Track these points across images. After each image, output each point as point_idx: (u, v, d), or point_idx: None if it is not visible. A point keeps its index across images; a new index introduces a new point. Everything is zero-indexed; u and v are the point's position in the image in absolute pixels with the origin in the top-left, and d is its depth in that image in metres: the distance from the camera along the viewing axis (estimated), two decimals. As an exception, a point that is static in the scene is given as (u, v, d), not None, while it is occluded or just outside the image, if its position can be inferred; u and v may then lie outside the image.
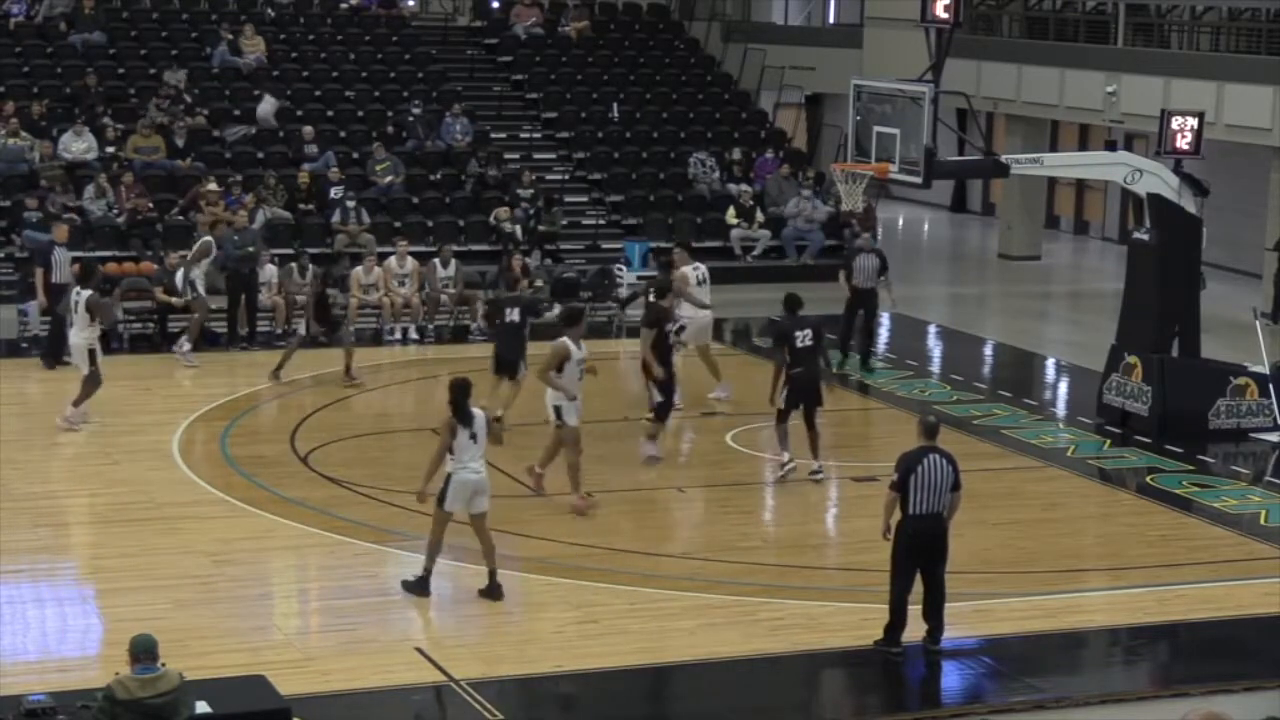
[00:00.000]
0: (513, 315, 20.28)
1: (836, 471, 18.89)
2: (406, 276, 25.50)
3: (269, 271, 24.96)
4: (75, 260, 22.59)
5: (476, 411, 14.55)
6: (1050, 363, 25.62)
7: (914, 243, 37.00)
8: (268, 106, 30.95)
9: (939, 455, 13.47)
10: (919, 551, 13.47)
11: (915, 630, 13.67)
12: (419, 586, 14.64)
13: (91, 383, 19.69)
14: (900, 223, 38.24)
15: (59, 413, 19.68)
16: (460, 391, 14.46)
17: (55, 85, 31.04)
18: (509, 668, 13.23)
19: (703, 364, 21.30)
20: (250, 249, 24.86)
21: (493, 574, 14.65)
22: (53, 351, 22.46)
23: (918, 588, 13.61)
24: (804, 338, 18.16)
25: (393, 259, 25.61)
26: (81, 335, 19.80)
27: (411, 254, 25.94)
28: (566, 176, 32.14)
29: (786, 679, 13.40)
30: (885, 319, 27.16)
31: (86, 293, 19.86)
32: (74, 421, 19.54)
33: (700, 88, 35.84)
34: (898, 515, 13.50)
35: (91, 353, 19.67)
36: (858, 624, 14.12)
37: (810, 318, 18.69)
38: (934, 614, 13.66)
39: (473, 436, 14.41)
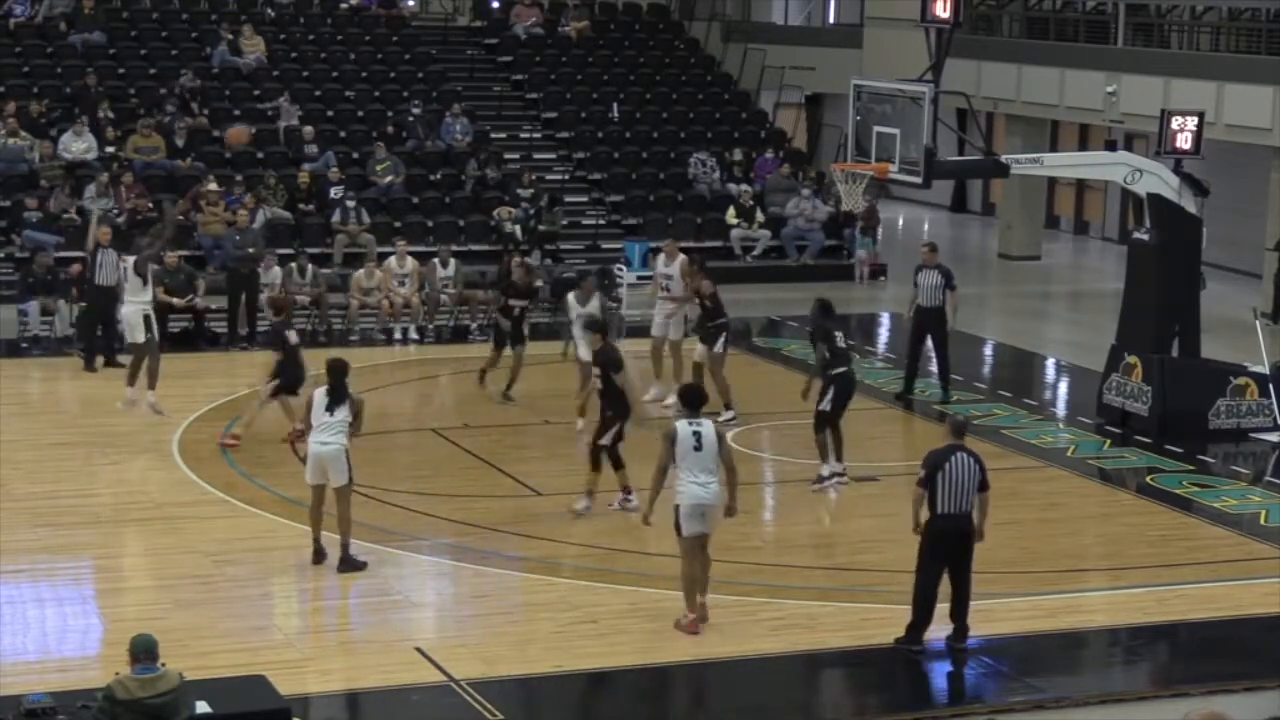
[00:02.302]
0: None
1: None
2: (406, 276, 25.51)
3: (275, 274, 24.94)
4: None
5: (318, 391, 15.22)
6: (1050, 363, 25.62)
7: (914, 243, 36.92)
8: (293, 119, 31.00)
9: (966, 454, 13.48)
10: (945, 551, 13.46)
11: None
12: (314, 557, 15.26)
13: (152, 356, 19.30)
14: (900, 223, 38.24)
15: (144, 404, 19.49)
16: (330, 371, 15.31)
17: (55, 85, 31.05)
18: (509, 668, 13.22)
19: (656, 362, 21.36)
20: (250, 249, 24.86)
21: (344, 546, 15.12)
22: (90, 352, 22.50)
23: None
24: (841, 338, 18.33)
25: (393, 259, 25.61)
26: (135, 301, 19.41)
27: (411, 254, 25.95)
28: (566, 176, 32.14)
29: (786, 679, 13.40)
30: (885, 319, 27.18)
31: (132, 258, 19.66)
32: (158, 408, 19.35)
33: (700, 88, 35.84)
34: (925, 513, 13.49)
35: (147, 318, 19.30)
36: (858, 624, 14.13)
37: (840, 320, 18.88)
38: (960, 613, 13.65)
39: (328, 409, 15.05)
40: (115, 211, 27.55)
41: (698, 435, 13.74)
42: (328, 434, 15.07)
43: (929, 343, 22.26)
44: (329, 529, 15.27)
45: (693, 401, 14.25)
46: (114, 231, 26.90)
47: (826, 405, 18.07)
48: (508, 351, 21.31)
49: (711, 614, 14.33)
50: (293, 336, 19.33)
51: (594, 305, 20.62)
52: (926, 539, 13.53)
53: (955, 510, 13.38)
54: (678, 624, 13.95)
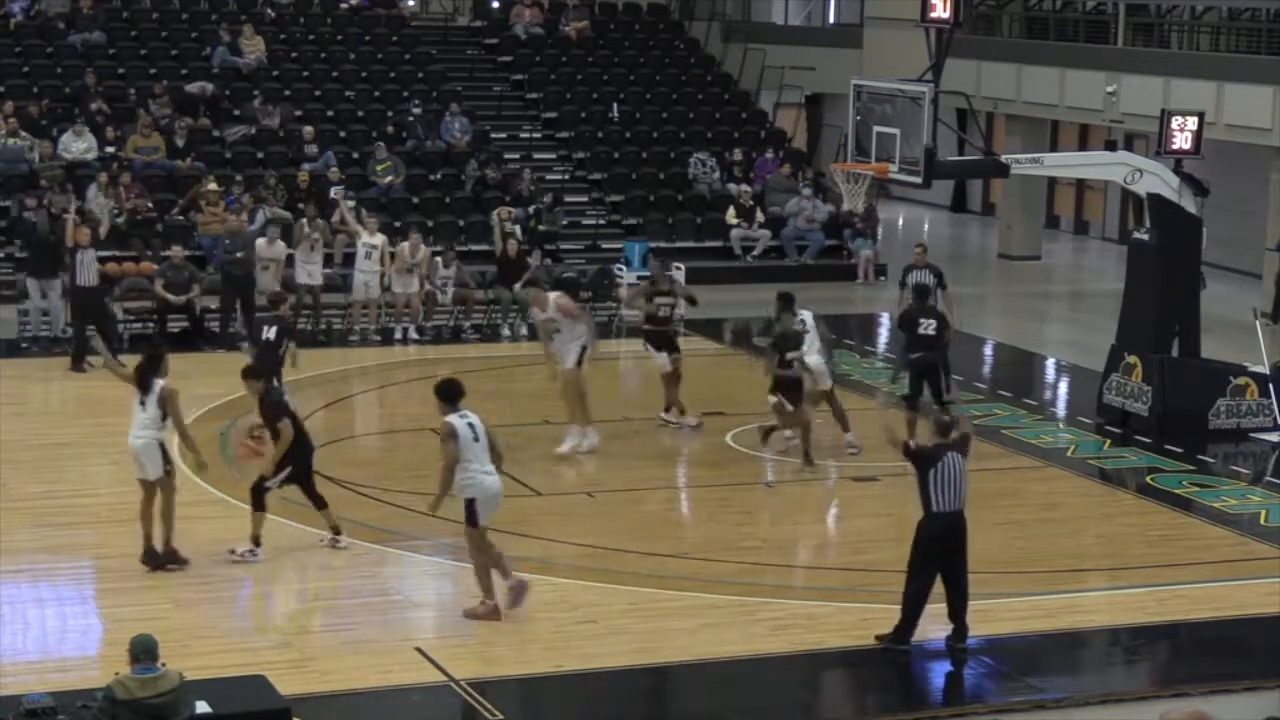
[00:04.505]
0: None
1: (837, 471, 18.87)
2: (416, 265, 25.51)
3: (279, 249, 25.12)
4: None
5: (157, 383, 15.03)
6: (1050, 363, 25.62)
7: (914, 243, 37.04)
8: (275, 120, 31.01)
9: (956, 453, 13.50)
10: (940, 551, 13.46)
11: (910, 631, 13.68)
12: (143, 555, 15.12)
13: None
14: (900, 223, 38.24)
15: None
16: (145, 359, 15.23)
17: (55, 85, 31.05)
18: (509, 668, 13.23)
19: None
20: (239, 255, 24.74)
21: (165, 540, 15.09)
22: (80, 353, 22.51)
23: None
24: (927, 326, 19.34)
25: (405, 245, 25.58)
26: None
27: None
28: (566, 176, 32.14)
29: (786, 679, 13.39)
30: (884, 319, 27.18)
31: None
32: None
33: (700, 88, 35.84)
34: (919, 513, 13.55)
35: None
36: (858, 624, 14.12)
37: (936, 309, 19.89)
38: (960, 612, 13.64)
39: (141, 404, 15.00)
40: (115, 211, 27.56)
41: (472, 426, 13.95)
42: (137, 427, 15.07)
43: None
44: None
45: (453, 396, 14.17)
46: (114, 231, 27.07)
47: (906, 388, 19.65)
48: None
49: (711, 614, 14.35)
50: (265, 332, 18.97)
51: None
52: (922, 540, 13.52)
53: (949, 509, 13.39)
54: (474, 613, 14.05)
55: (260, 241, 25.25)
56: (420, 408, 21.77)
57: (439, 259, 26.06)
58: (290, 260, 25.57)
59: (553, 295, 19.58)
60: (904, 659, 13.55)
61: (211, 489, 17.54)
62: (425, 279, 25.57)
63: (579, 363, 19.14)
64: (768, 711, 12.75)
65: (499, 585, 14.18)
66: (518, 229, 28.96)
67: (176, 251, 24.76)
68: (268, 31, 33.58)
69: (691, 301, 21.16)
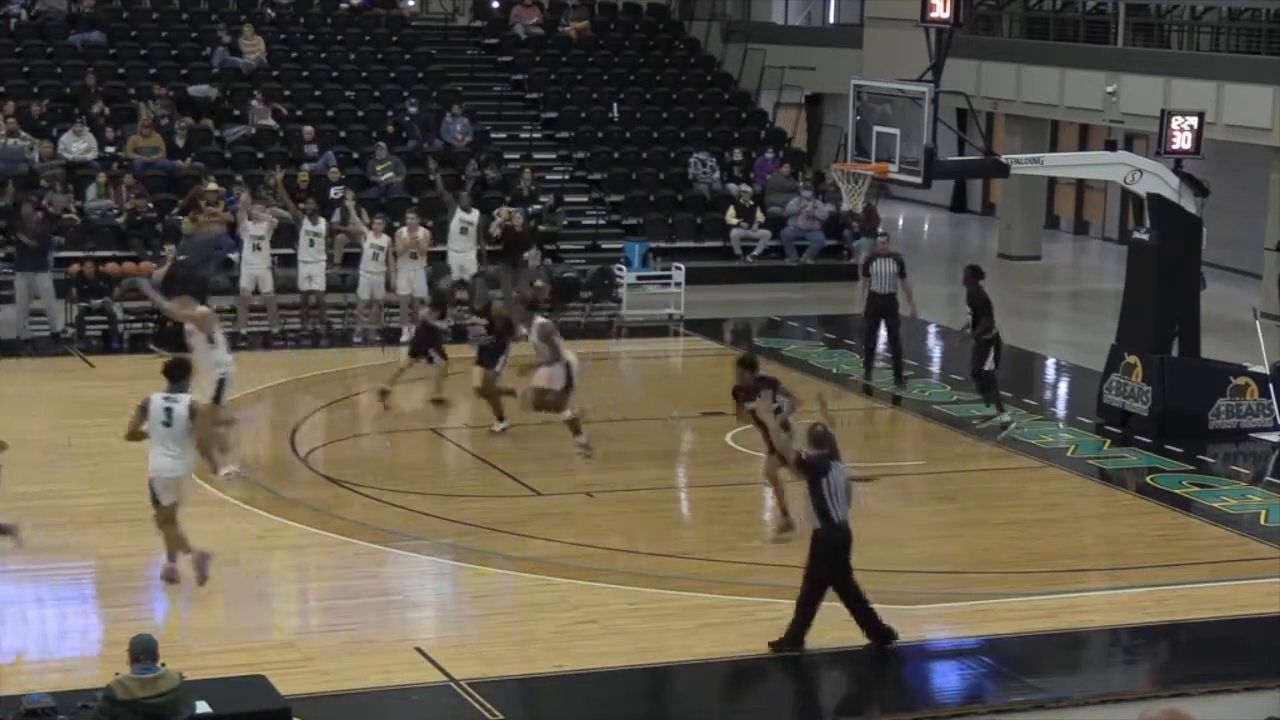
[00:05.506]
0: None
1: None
2: (416, 247, 25.51)
3: (265, 226, 25.03)
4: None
5: None
6: (1050, 363, 25.62)
7: (914, 243, 36.99)
8: (266, 119, 30.99)
9: (839, 462, 13.57)
10: (843, 561, 13.48)
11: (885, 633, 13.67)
12: None
13: None
14: (900, 223, 38.20)
15: None
16: None
17: (55, 85, 31.05)
18: (509, 668, 13.23)
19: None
20: (181, 257, 24.65)
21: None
22: None
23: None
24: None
25: (403, 230, 25.56)
26: None
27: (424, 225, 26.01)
28: (566, 176, 32.14)
29: (786, 679, 13.40)
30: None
31: None
32: None
33: (700, 88, 35.84)
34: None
35: None
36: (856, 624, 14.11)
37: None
38: (875, 619, 13.58)
39: None
40: (115, 211, 27.55)
41: (169, 411, 14.25)
42: None
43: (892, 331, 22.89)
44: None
45: (170, 374, 14.51)
46: (114, 231, 27.08)
47: (990, 365, 20.22)
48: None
49: (711, 614, 14.35)
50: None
51: None
52: (826, 551, 13.44)
53: (844, 517, 13.46)
54: (168, 573, 14.61)
55: (246, 222, 25.20)
56: (420, 408, 21.83)
57: (466, 232, 26.14)
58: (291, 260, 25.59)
59: (200, 310, 18.33)
60: (903, 658, 13.55)
61: (211, 489, 17.56)
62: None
63: (216, 397, 17.78)
64: (767, 711, 12.77)
65: (183, 561, 14.55)
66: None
67: (172, 252, 24.74)
68: (268, 31, 33.57)
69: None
